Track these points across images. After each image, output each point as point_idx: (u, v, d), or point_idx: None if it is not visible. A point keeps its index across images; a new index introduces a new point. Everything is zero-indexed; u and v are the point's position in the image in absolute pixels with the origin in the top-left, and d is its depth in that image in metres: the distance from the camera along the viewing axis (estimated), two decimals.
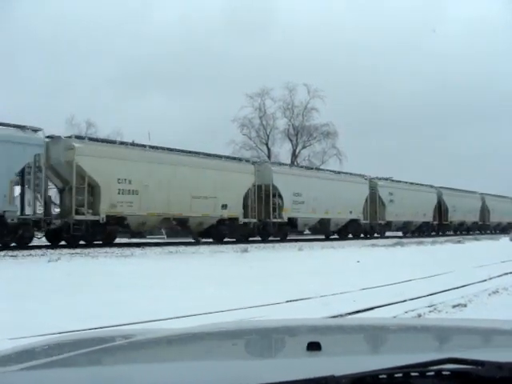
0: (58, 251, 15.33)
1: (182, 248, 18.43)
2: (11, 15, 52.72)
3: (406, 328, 1.80)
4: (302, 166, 30.34)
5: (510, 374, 0.90)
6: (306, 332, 1.70)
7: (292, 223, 25.97)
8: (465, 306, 6.57)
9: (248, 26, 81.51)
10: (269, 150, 48.63)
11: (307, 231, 30.33)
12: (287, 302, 6.62)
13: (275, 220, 24.69)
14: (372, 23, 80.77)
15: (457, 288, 8.07)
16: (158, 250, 17.39)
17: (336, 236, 29.96)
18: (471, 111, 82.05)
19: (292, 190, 25.57)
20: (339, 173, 32.14)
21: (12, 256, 13.85)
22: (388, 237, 31.65)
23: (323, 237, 29.53)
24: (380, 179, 33.79)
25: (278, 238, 25.06)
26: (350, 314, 5.85)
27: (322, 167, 40.16)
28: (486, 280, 9.14)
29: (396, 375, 0.91)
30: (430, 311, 6.19)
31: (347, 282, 8.51)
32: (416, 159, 75.04)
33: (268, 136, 48.67)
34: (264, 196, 24.44)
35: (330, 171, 32.28)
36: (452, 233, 40.56)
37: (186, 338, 1.62)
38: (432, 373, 0.92)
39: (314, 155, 49.02)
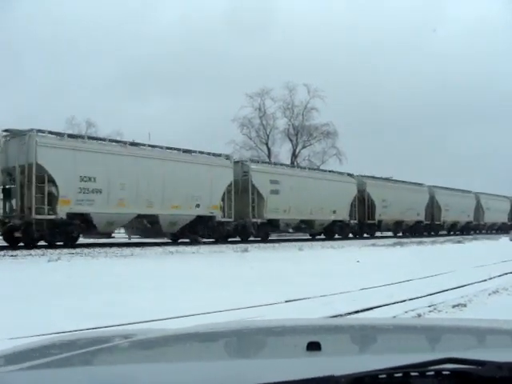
0: (58, 251, 15.37)
1: (181, 248, 18.52)
2: (11, 15, 52.74)
3: (406, 328, 1.80)
4: (100, 139, 19.68)
5: (510, 373, 0.90)
6: (305, 332, 1.70)
7: (85, 221, 18.02)
8: (465, 305, 6.57)
9: (248, 26, 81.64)
10: (269, 149, 48.72)
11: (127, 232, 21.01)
12: (286, 301, 6.61)
13: (41, 216, 16.57)
14: (372, 23, 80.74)
15: (457, 288, 8.07)
16: (158, 249, 17.44)
17: (186, 240, 21.79)
18: (471, 111, 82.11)
19: (77, 173, 17.43)
20: (180, 151, 21.53)
21: (12, 256, 13.88)
22: (275, 240, 24.87)
23: (160, 240, 21.64)
24: (254, 162, 25.60)
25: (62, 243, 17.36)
26: (349, 313, 5.86)
27: (321, 167, 40.00)
28: (486, 280, 9.15)
29: (396, 375, 0.91)
30: (430, 311, 6.20)
31: (347, 281, 8.51)
32: (416, 159, 74.92)
33: (268, 136, 48.73)
34: (26, 181, 16.59)
35: (159, 147, 21.02)
36: (389, 234, 33.47)
37: (186, 338, 1.62)
38: (432, 373, 0.92)
39: (314, 155, 49.09)
